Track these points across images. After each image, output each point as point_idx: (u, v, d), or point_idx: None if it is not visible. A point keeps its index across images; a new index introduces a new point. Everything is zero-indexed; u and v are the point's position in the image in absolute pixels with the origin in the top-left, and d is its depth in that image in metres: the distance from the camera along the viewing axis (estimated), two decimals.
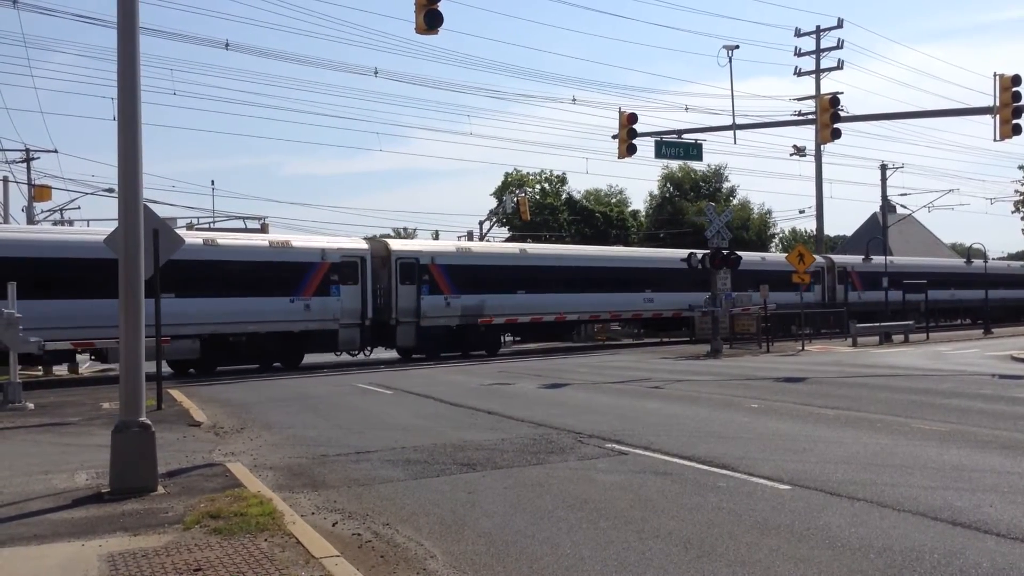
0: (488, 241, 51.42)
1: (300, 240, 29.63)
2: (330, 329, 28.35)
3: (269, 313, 26.90)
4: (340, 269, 28.59)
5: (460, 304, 31.64)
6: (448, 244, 34.40)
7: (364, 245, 30.55)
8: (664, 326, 41.01)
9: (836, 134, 24.49)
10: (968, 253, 55.20)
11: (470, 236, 52.78)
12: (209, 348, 25.98)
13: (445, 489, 8.96)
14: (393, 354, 32.57)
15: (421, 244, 33.48)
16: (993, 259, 58.93)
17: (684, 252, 36.79)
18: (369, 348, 30.47)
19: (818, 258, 46.52)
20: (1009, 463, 9.59)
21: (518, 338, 37.98)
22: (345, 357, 30.94)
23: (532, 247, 37.67)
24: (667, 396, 17.31)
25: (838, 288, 45.52)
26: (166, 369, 22.00)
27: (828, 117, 24.34)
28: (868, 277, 46.01)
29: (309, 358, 29.38)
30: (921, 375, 21.00)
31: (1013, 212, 36.52)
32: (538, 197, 66.01)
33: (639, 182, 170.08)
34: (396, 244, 32.53)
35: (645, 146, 27.12)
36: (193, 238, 25.97)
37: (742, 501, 8.08)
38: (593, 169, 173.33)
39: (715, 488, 8.65)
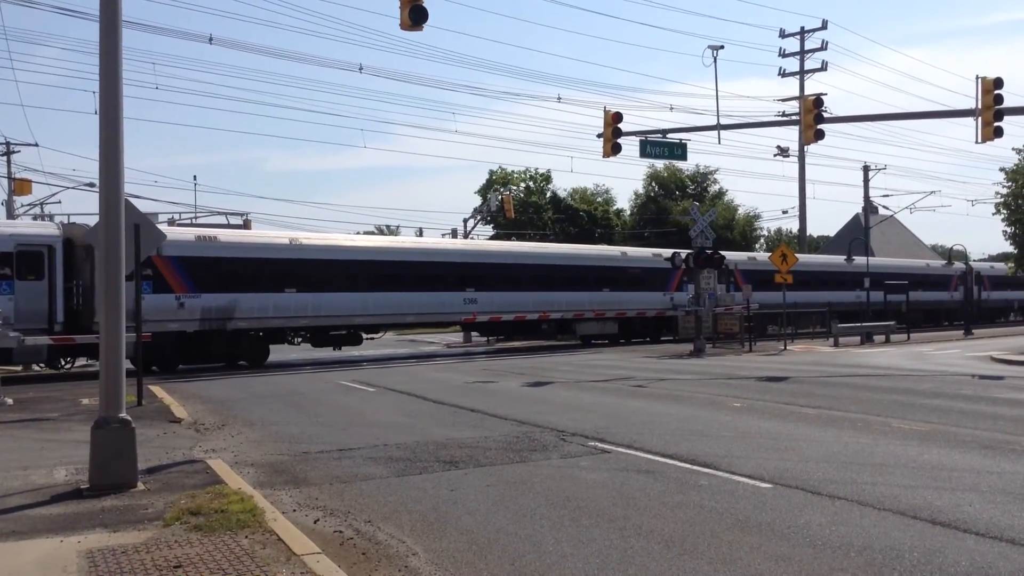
0: (473, 238, 51.46)
1: None
2: None
3: None
4: (15, 260, 23.08)
5: (200, 305, 25.83)
6: (185, 231, 28.01)
7: (54, 231, 24.60)
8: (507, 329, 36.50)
9: (820, 135, 24.63)
10: (949, 255, 55.67)
11: (454, 233, 52.77)
12: None
13: (427, 487, 8.95)
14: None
15: None
16: (974, 260, 59.43)
17: (516, 244, 32.71)
18: (67, 360, 25.12)
19: (661, 252, 39.33)
20: (988, 463, 9.67)
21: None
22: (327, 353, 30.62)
23: (306, 235, 31.06)
24: (650, 395, 17.34)
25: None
26: None
27: (812, 118, 24.47)
28: (752, 276, 39.79)
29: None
30: (902, 375, 21.13)
31: (994, 214, 36.60)
32: (523, 195, 66.04)
33: (625, 181, 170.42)
34: None
35: (630, 145, 27.14)
36: None
37: (724, 499, 8.11)
38: (578, 168, 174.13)
39: (697, 486, 8.67)
